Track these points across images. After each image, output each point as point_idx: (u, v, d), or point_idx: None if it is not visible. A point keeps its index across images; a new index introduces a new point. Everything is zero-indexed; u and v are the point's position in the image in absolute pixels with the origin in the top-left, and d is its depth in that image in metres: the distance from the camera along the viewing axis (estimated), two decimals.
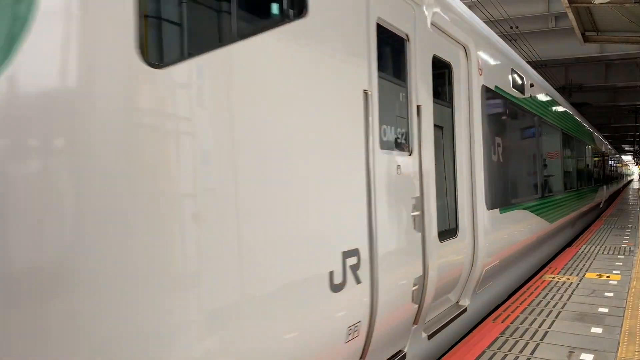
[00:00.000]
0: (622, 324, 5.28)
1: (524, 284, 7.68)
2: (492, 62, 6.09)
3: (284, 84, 2.58)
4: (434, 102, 4.37)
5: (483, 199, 5.37)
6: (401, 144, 3.82)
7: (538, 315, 5.69)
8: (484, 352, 4.57)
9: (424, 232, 4.00)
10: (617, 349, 4.56)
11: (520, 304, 6.19)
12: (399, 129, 3.80)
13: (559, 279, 7.62)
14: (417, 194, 3.95)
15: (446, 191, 4.97)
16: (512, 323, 5.40)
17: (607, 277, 7.66)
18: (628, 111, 31.31)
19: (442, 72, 4.85)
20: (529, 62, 14.30)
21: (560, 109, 11.45)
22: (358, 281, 3.06)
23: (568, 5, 11.19)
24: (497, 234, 5.87)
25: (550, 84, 14.37)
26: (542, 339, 4.87)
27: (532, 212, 7.70)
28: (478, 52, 5.50)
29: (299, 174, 2.65)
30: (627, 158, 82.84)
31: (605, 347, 4.60)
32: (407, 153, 3.88)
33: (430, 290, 4.11)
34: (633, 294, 6.57)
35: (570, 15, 11.98)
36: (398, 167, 3.66)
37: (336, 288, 2.86)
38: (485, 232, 5.39)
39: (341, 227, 2.96)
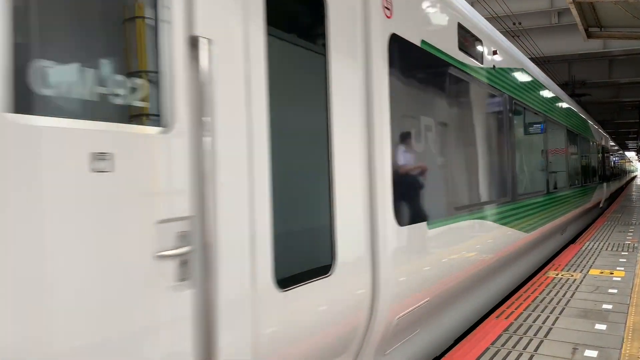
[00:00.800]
0: (626, 321, 5.27)
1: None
2: (415, 4, 4.22)
3: None
4: (280, 42, 2.76)
5: (390, 210, 3.53)
6: (134, 108, 2.06)
7: (542, 311, 5.69)
8: (487, 348, 4.56)
9: (212, 284, 2.16)
10: (622, 346, 4.55)
11: (524, 300, 6.18)
12: (121, 77, 2.00)
13: (562, 275, 7.60)
14: (183, 212, 2.10)
15: (308, 198, 3.08)
16: (515, 320, 5.39)
17: (611, 273, 7.64)
18: (631, 107, 31.25)
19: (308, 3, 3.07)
20: (532, 59, 14.25)
21: (545, 91, 9.52)
22: None
23: (571, 1, 11.15)
24: (424, 260, 4.10)
25: (553, 80, 14.31)
26: (546, 336, 4.86)
27: (493, 221, 5.86)
28: None
29: None
30: (631, 154, 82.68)
31: (609, 344, 4.59)
32: (157, 128, 2.06)
33: None
34: (637, 290, 6.56)
35: (574, 11, 11.92)
36: (99, 155, 1.82)
37: None
38: (397, 260, 3.60)
39: None
